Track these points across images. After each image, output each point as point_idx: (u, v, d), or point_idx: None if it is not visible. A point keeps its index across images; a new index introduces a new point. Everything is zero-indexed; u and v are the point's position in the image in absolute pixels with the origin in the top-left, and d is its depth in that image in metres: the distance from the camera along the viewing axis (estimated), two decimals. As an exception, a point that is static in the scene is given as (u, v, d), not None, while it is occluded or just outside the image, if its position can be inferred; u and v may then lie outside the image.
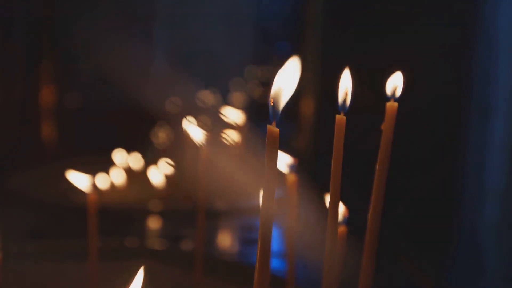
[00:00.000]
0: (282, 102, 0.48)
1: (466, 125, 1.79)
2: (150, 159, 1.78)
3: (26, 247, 1.07)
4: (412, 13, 1.80)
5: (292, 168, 0.80)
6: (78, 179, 0.92)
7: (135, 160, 1.80)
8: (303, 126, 2.26)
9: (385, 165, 0.59)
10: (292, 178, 0.80)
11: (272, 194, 0.49)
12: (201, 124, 1.67)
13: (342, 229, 0.74)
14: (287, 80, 0.48)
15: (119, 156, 1.77)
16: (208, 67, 2.77)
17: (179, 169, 1.70)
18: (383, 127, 0.59)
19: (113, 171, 1.66)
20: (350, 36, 1.91)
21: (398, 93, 0.58)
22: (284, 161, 0.79)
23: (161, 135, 2.35)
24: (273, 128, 0.48)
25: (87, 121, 2.38)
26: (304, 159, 2.20)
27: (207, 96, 2.67)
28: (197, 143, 0.92)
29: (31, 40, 2.17)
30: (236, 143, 1.62)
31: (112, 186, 1.58)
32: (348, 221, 0.69)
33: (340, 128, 0.54)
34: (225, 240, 1.39)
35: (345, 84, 0.53)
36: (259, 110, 2.52)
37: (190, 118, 1.70)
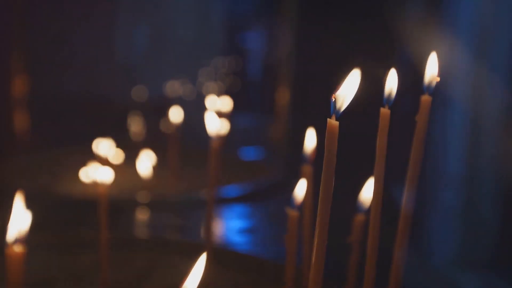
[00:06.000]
0: (344, 104, 0.50)
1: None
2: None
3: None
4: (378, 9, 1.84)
5: (307, 160, 0.82)
6: (96, 171, 0.92)
7: (115, 152, 1.79)
8: (278, 116, 2.29)
9: (419, 152, 0.62)
10: (307, 169, 0.82)
11: (331, 183, 0.51)
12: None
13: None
14: (350, 88, 0.50)
15: (101, 147, 1.76)
16: (177, 56, 2.76)
17: (160, 159, 1.70)
18: (417, 118, 0.62)
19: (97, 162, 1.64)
20: (324, 28, 1.94)
21: (433, 86, 0.60)
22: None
23: (134, 126, 2.34)
24: (332, 122, 0.51)
25: (58, 112, 2.35)
26: (280, 149, 2.23)
27: (176, 86, 2.67)
28: (211, 134, 0.93)
29: (1, 29, 2.13)
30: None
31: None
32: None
33: (385, 121, 0.57)
34: (220, 228, 1.40)
35: (391, 80, 0.56)
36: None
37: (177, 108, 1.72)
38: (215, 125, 0.92)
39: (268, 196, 1.63)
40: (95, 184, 1.51)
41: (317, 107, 1.87)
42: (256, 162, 2.04)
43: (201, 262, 0.52)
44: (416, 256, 1.49)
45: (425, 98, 0.60)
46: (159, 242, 1.09)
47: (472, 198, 1.69)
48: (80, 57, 2.54)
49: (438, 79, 0.60)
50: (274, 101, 2.29)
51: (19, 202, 0.80)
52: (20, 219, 0.77)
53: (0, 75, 2.12)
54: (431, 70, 0.60)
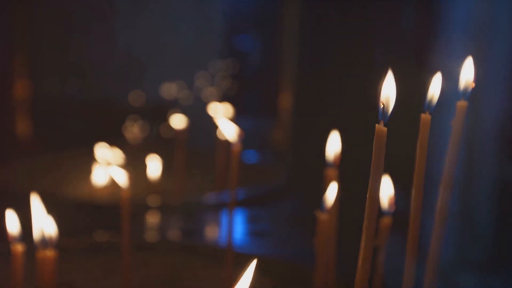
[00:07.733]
0: (391, 107, 0.51)
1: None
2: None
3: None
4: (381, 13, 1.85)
5: (330, 165, 0.83)
6: (117, 174, 0.93)
7: (116, 156, 1.79)
8: (281, 119, 2.30)
9: (454, 158, 0.63)
10: (332, 173, 0.83)
11: (378, 188, 0.52)
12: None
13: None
14: (392, 89, 0.51)
15: (102, 150, 1.76)
16: (174, 60, 2.77)
17: (166, 164, 1.70)
18: (452, 123, 0.63)
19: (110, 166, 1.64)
20: (327, 32, 1.96)
21: (469, 91, 0.61)
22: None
23: (134, 130, 2.34)
24: (381, 127, 0.52)
25: (60, 116, 2.35)
26: (282, 152, 2.24)
27: (173, 89, 2.67)
28: (229, 139, 0.93)
29: (4, 34, 2.14)
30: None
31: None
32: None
33: (425, 127, 0.58)
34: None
35: (434, 86, 0.57)
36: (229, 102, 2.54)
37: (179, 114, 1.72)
38: (231, 130, 0.92)
39: (272, 199, 1.64)
40: (109, 187, 1.53)
41: (320, 109, 1.88)
42: (259, 165, 2.05)
43: (250, 271, 0.52)
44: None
45: (461, 104, 0.62)
46: (178, 246, 1.09)
47: (468, 200, 1.71)
48: (81, 61, 2.54)
49: (474, 84, 0.61)
50: (275, 104, 2.30)
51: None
52: (50, 224, 0.78)
53: (3, 79, 2.12)
54: (467, 75, 0.61)
